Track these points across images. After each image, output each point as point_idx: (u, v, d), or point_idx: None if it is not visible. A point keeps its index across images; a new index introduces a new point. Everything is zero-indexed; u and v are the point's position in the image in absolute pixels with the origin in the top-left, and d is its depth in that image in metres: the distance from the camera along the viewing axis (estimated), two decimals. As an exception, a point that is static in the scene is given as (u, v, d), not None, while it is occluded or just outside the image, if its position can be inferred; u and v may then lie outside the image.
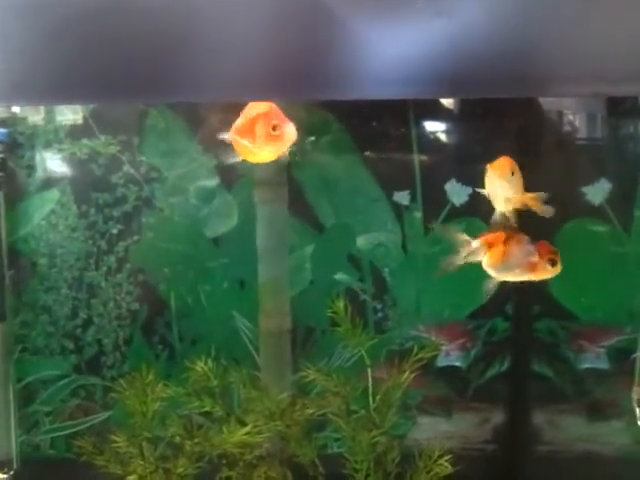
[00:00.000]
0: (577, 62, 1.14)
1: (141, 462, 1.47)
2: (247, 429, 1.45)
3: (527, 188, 1.85)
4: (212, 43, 1.15)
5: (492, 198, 1.31)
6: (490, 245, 1.31)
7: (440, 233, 1.35)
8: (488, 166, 1.28)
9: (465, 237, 1.33)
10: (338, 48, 1.14)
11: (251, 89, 1.26)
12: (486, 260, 1.32)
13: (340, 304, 1.59)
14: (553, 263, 1.29)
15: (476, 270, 1.89)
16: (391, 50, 1.12)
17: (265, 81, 1.19)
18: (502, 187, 1.28)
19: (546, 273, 1.31)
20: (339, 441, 1.84)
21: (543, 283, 1.85)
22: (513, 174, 1.28)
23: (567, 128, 2.00)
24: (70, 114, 1.90)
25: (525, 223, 1.85)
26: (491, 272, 1.32)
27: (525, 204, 1.33)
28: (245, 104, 1.81)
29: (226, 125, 1.90)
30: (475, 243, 1.32)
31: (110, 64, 1.15)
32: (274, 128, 1.25)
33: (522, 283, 1.88)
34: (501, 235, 1.31)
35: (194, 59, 1.16)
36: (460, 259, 1.34)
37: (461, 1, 1.09)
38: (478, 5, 1.09)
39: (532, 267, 1.30)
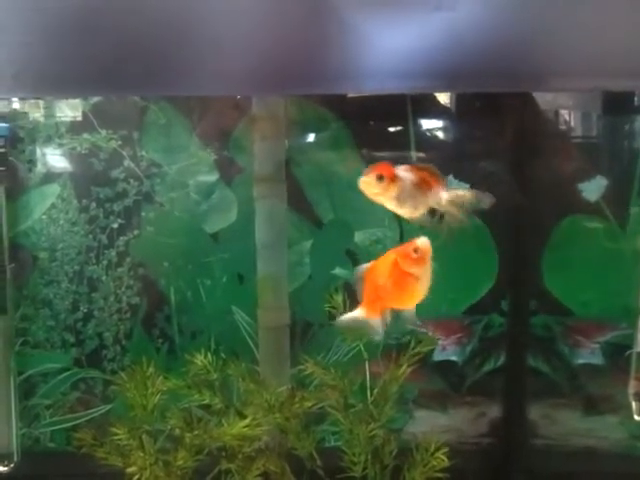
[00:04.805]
0: (575, 57, 1.15)
1: (141, 454, 1.47)
2: (247, 422, 1.46)
3: (524, 185, 1.87)
4: (211, 38, 1.15)
5: None
6: None
7: None
8: None
9: None
10: (337, 43, 1.15)
11: (250, 84, 1.26)
12: None
13: (339, 299, 1.60)
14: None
15: (473, 267, 1.92)
16: (389, 44, 1.13)
17: (263, 76, 1.20)
18: None
19: None
20: (336, 434, 1.86)
21: (539, 279, 1.89)
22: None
23: (564, 125, 2.01)
24: (71, 109, 1.91)
25: (523, 219, 1.89)
26: None
27: None
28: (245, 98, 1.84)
29: (225, 120, 1.92)
30: None
31: (110, 57, 1.16)
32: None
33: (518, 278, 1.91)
34: None
35: (194, 53, 1.17)
36: None
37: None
38: (475, -1, 1.10)
39: None
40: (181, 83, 1.22)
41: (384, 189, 1.24)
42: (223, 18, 1.14)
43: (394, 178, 1.24)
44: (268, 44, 1.16)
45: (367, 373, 1.57)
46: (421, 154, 1.92)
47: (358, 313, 1.30)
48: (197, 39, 1.16)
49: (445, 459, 1.48)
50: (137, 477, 1.47)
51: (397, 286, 1.25)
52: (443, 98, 1.94)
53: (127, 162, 1.90)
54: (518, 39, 1.13)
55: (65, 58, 1.17)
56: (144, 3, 1.12)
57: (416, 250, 1.23)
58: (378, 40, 1.13)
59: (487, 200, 1.28)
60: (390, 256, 1.25)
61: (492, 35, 1.13)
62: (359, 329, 1.33)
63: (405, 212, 1.28)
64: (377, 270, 1.26)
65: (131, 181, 1.91)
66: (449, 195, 1.28)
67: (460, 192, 1.29)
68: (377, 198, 1.25)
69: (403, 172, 1.25)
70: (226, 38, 1.15)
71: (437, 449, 1.50)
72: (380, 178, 1.23)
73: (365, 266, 1.28)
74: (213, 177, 1.92)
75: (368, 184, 1.24)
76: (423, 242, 1.23)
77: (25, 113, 1.90)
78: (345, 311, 1.60)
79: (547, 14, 1.11)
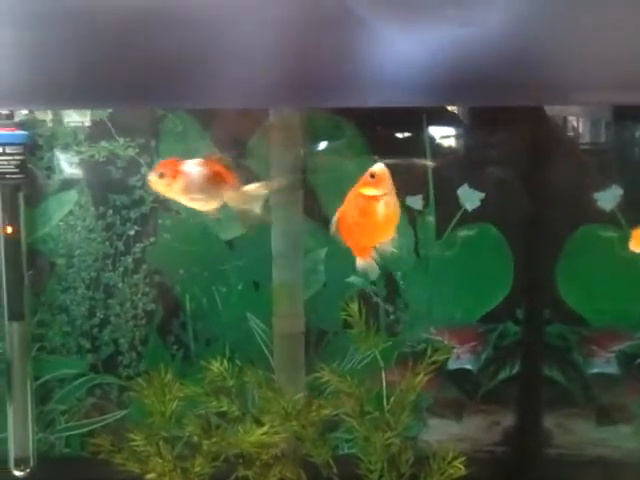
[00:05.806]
0: (587, 71, 1.16)
1: (159, 461, 1.48)
2: (265, 429, 1.47)
3: (539, 194, 1.88)
4: (228, 51, 1.16)
5: None
6: None
7: None
8: None
9: None
10: (354, 55, 1.16)
11: (265, 96, 1.27)
12: None
13: (354, 307, 1.60)
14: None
15: (489, 275, 1.93)
16: (404, 58, 1.14)
17: (279, 88, 1.21)
18: None
19: None
20: (350, 442, 1.86)
21: (554, 288, 1.89)
22: None
23: (578, 134, 2.02)
24: (89, 117, 1.93)
25: (538, 228, 1.89)
26: None
27: None
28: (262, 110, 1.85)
29: (241, 128, 1.93)
30: None
31: (127, 69, 1.17)
32: None
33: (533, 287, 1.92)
34: None
35: (211, 66, 1.18)
36: None
37: (472, 10, 1.10)
38: (488, 14, 1.11)
39: None
40: (199, 95, 1.23)
41: (168, 185, 1.27)
42: (240, 33, 1.14)
43: (177, 174, 1.26)
44: (285, 57, 1.17)
45: (383, 381, 1.57)
46: (436, 162, 1.93)
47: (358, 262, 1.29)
48: (214, 52, 1.16)
49: (462, 468, 1.48)
50: (155, 483, 1.48)
51: (365, 214, 1.25)
52: (458, 107, 1.95)
53: (144, 170, 1.91)
54: (530, 54, 1.14)
55: (84, 72, 1.18)
56: (161, 16, 1.13)
57: (373, 175, 1.24)
58: (394, 54, 1.14)
59: (277, 184, 1.32)
60: (352, 193, 1.27)
61: (505, 50, 1.14)
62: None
63: (197, 206, 1.31)
64: (346, 210, 1.28)
65: (148, 189, 1.92)
66: (240, 191, 1.32)
67: (251, 187, 1.32)
68: (166, 194, 1.30)
69: (191, 167, 1.28)
70: (243, 52, 1.16)
71: (454, 458, 1.50)
72: (161, 176, 1.26)
73: (336, 217, 1.29)
74: (229, 185, 1.92)
75: (153, 182, 1.28)
76: (378, 166, 1.25)
77: (43, 121, 1.92)
78: (361, 319, 1.62)
79: (558, 28, 1.12)
